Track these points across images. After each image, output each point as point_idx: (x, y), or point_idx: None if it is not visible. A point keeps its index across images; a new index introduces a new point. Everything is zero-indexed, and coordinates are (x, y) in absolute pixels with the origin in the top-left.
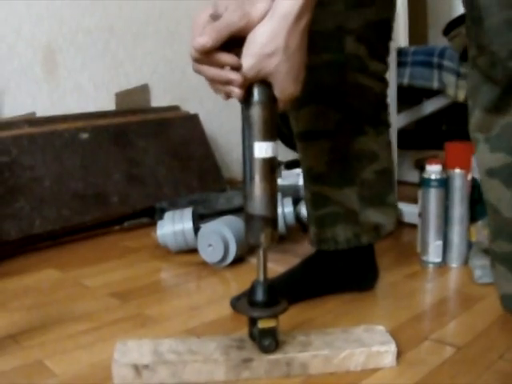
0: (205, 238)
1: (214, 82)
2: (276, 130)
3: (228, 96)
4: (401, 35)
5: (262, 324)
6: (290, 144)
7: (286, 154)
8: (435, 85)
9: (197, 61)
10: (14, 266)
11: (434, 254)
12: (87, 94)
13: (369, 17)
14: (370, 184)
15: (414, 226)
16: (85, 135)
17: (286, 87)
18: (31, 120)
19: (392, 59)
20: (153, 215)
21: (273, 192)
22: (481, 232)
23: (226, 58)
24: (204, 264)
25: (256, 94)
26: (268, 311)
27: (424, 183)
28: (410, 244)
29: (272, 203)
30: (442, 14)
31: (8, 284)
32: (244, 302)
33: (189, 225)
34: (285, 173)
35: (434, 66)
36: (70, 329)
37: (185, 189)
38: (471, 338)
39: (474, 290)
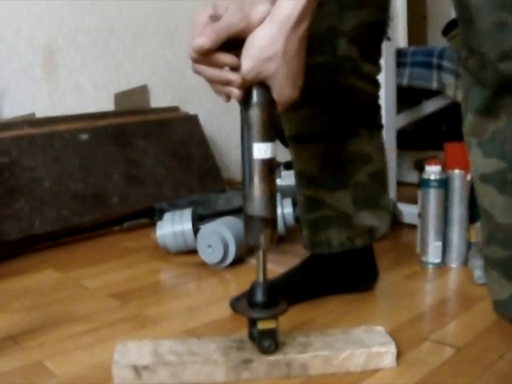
0: (204, 238)
1: (213, 82)
2: (275, 131)
3: (228, 98)
4: (400, 36)
5: (262, 325)
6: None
7: (284, 155)
8: (434, 85)
9: (196, 61)
10: (13, 267)
11: (433, 255)
12: (87, 94)
13: (363, 18)
14: (363, 186)
15: (413, 227)
16: (84, 136)
17: (284, 91)
18: (31, 121)
19: (391, 60)
20: (152, 216)
21: (272, 193)
22: (480, 232)
23: (225, 58)
24: (203, 265)
25: (255, 95)
26: (268, 312)
27: (423, 184)
28: (410, 244)
29: (271, 204)
30: (441, 14)
31: (8, 285)
32: (244, 302)
33: (188, 225)
34: (284, 173)
35: (434, 67)
36: (70, 329)
37: (184, 189)
38: (471, 339)
39: (473, 290)
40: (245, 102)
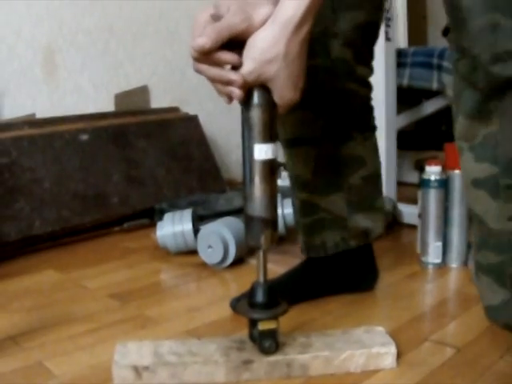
0: (204, 239)
1: (214, 81)
2: (276, 131)
3: (230, 99)
4: (400, 36)
5: (263, 326)
6: None
7: None
8: (435, 85)
9: (197, 60)
10: (13, 268)
11: (433, 255)
12: (87, 95)
13: (357, 20)
14: (357, 189)
15: (413, 227)
16: (85, 136)
17: (285, 93)
18: (31, 121)
19: (391, 60)
20: (152, 216)
21: (273, 193)
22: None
23: (227, 56)
24: (204, 265)
25: (256, 96)
26: (268, 313)
27: (424, 184)
28: (410, 245)
29: (272, 205)
30: (441, 14)
31: (8, 285)
32: (244, 303)
33: (188, 226)
34: (284, 174)
35: (434, 67)
36: (70, 330)
37: (184, 190)
38: (471, 339)
39: (473, 290)
40: (246, 103)
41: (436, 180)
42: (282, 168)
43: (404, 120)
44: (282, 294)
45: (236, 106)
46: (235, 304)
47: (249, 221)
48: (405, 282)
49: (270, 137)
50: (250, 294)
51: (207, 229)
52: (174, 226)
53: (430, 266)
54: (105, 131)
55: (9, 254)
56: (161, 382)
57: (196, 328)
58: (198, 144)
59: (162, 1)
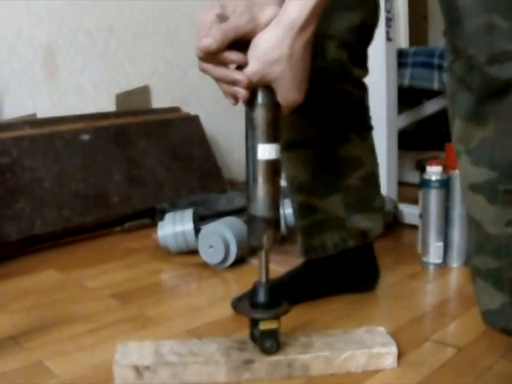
0: (205, 239)
1: (219, 81)
2: (279, 132)
3: (236, 100)
4: (401, 36)
5: (264, 325)
6: None
7: None
8: (436, 86)
9: (202, 60)
10: (14, 267)
11: (434, 255)
12: (87, 94)
13: (352, 21)
14: (355, 190)
15: (414, 227)
16: (85, 136)
17: (289, 95)
18: (32, 121)
19: (392, 60)
20: (153, 216)
21: (276, 194)
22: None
23: (232, 56)
24: (205, 265)
25: (260, 96)
26: (270, 313)
27: (424, 184)
28: (411, 245)
29: (275, 205)
30: None
31: (8, 285)
32: (245, 303)
33: (189, 226)
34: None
35: (435, 67)
36: (71, 330)
37: (185, 190)
38: (472, 339)
39: None
40: (250, 103)
41: (437, 180)
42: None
43: (405, 120)
44: (283, 294)
45: (236, 106)
46: (236, 304)
47: (251, 220)
48: (406, 282)
49: (273, 137)
50: (251, 294)
51: (208, 229)
52: (174, 226)
53: (431, 266)
54: (106, 131)
55: (9, 254)
56: (162, 381)
57: (197, 328)
58: (198, 144)
59: (161, 1)
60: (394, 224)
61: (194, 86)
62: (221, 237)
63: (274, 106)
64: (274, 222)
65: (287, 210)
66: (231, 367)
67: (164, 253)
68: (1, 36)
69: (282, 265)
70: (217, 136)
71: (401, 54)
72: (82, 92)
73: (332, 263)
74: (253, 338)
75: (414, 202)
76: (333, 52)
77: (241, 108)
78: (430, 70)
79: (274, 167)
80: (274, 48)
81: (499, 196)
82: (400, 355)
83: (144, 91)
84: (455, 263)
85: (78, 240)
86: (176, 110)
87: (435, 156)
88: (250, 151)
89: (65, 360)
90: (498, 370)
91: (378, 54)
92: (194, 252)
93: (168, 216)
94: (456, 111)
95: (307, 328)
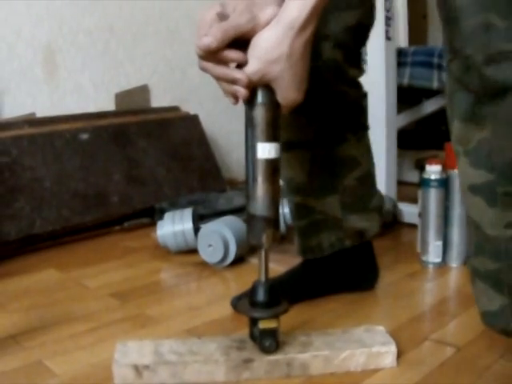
0: (205, 238)
1: (219, 80)
2: (279, 131)
3: (236, 99)
4: (401, 35)
5: (263, 324)
6: None
7: None
8: (435, 85)
9: (202, 58)
10: (14, 267)
11: (434, 254)
12: (87, 94)
13: (348, 21)
14: (352, 190)
15: (414, 226)
16: (85, 136)
17: (288, 94)
18: (31, 120)
19: (392, 59)
20: (153, 215)
21: (275, 193)
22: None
23: (232, 54)
24: (204, 264)
25: (260, 95)
26: (269, 312)
27: (424, 183)
28: (410, 244)
29: (274, 204)
30: None
31: (8, 284)
32: (245, 302)
33: (189, 225)
34: None
35: (434, 67)
36: (71, 329)
37: (185, 189)
38: (471, 338)
39: None
40: (249, 102)
41: (436, 179)
42: None
43: (404, 119)
44: (283, 293)
45: (236, 106)
46: (236, 303)
47: (251, 219)
48: (405, 281)
49: (273, 136)
50: (250, 293)
51: (207, 228)
52: (174, 225)
53: (431, 265)
54: (105, 130)
55: (9, 254)
56: (161, 380)
57: (196, 327)
58: (198, 143)
59: (161, 1)
60: (394, 223)
61: (194, 85)
62: (220, 236)
63: (273, 105)
64: (273, 221)
65: (286, 209)
66: (230, 366)
67: (163, 252)
68: (1, 36)
69: (281, 264)
70: (216, 135)
71: (400, 53)
72: (82, 92)
73: (330, 263)
74: (252, 337)
75: (414, 201)
76: (328, 52)
77: (240, 108)
78: (429, 69)
79: (273, 166)
80: (274, 47)
81: (498, 198)
82: (399, 354)
83: (143, 90)
84: (454, 262)
85: (78, 239)
86: (175, 109)
87: (434, 155)
88: (250, 150)
89: (64, 359)
90: (496, 370)
91: (378, 54)
92: (193, 251)
93: (167, 215)
94: (454, 111)
95: (306, 327)
